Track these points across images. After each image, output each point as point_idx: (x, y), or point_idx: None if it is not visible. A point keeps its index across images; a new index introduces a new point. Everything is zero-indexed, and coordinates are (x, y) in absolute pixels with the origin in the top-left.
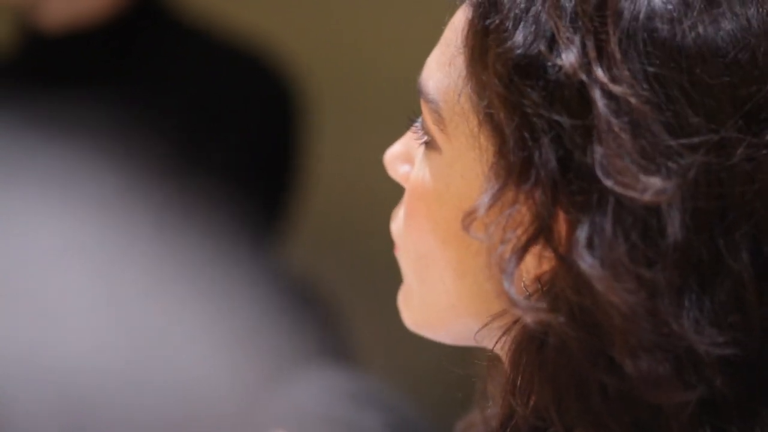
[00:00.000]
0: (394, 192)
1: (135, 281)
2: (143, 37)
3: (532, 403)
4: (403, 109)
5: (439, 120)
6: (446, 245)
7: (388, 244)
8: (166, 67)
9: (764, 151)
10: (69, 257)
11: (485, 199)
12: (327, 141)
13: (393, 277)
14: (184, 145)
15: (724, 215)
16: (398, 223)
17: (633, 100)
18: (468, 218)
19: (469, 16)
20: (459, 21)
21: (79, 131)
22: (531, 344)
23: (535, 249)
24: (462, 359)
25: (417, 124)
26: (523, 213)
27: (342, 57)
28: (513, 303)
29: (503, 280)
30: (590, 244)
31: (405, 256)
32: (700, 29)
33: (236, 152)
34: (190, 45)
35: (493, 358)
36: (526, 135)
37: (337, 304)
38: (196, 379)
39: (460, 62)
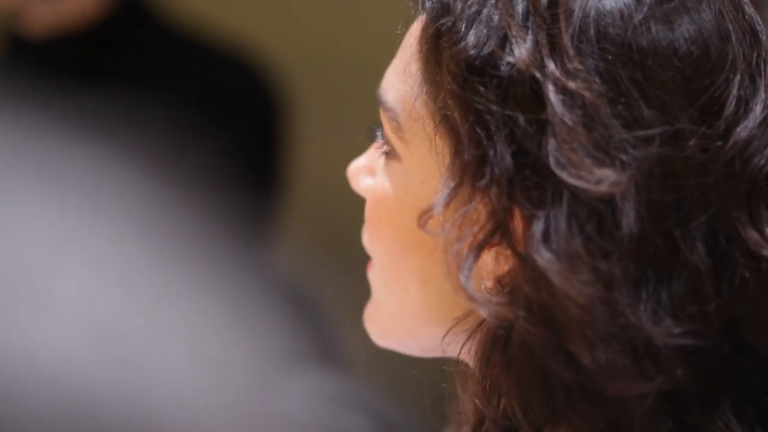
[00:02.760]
0: None
1: (117, 281)
2: (127, 40)
3: (501, 405)
4: None
5: (398, 128)
6: (409, 252)
7: None
8: (149, 69)
9: (719, 143)
10: (56, 256)
11: (441, 198)
12: (314, 139)
13: None
14: (169, 146)
15: (679, 207)
16: (365, 234)
17: (586, 94)
18: (424, 216)
19: (423, 21)
20: (415, 29)
21: (64, 134)
22: (495, 345)
23: (495, 249)
24: (448, 365)
25: (378, 134)
26: (479, 211)
27: (328, 54)
28: (470, 298)
29: (460, 276)
30: (546, 238)
31: (373, 270)
32: (652, 24)
33: (222, 153)
34: (174, 47)
35: (462, 370)
36: (481, 133)
37: (325, 306)
38: (180, 381)
39: (415, 68)
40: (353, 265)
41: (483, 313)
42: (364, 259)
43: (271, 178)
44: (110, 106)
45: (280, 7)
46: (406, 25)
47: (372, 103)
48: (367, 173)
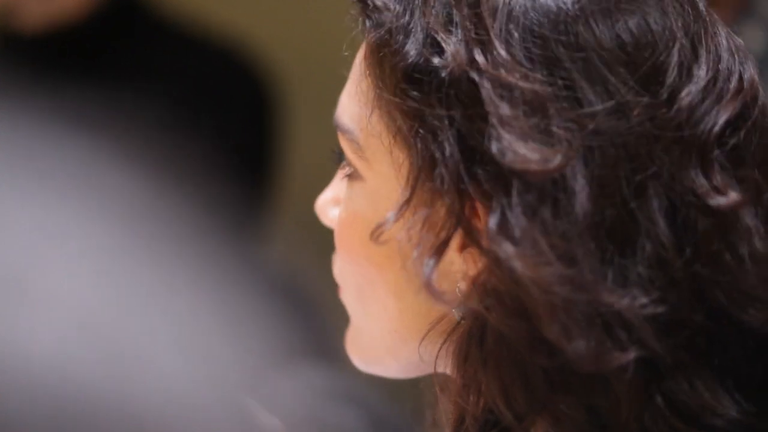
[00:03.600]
0: None
1: (107, 276)
2: (120, 35)
3: (481, 401)
4: None
5: (357, 148)
6: (383, 269)
7: None
8: (141, 64)
9: (663, 110)
10: (46, 250)
11: (396, 207)
12: (307, 133)
13: None
14: (161, 139)
15: (632, 178)
16: (336, 263)
17: (521, 83)
18: (377, 231)
19: (367, 39)
20: (362, 51)
21: (56, 128)
22: (471, 342)
23: (466, 251)
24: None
25: (343, 162)
26: (440, 213)
27: (322, 46)
28: (439, 298)
29: (423, 274)
30: (503, 229)
31: (348, 295)
32: (586, 3)
33: (215, 146)
34: (166, 41)
35: (440, 375)
36: (427, 136)
37: (317, 301)
38: (170, 377)
39: (365, 86)
40: None
41: (455, 312)
42: None
43: (264, 171)
44: (103, 100)
45: (274, 1)
46: (353, 47)
47: None
48: (334, 205)
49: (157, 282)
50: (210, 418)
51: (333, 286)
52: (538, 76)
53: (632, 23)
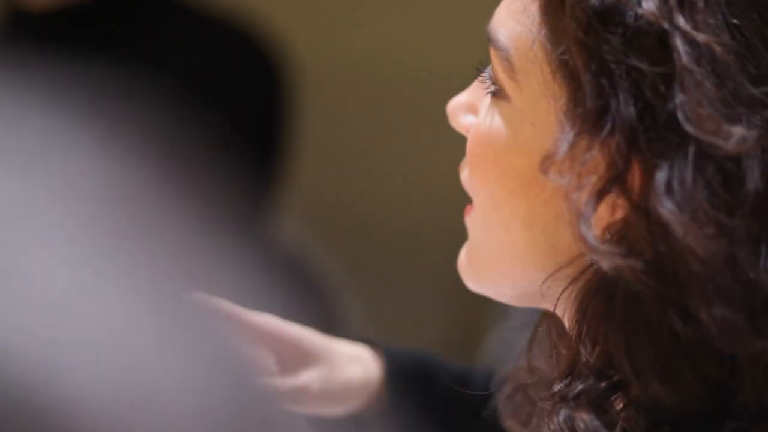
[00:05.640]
0: (387, 167)
1: (121, 256)
2: (128, 13)
3: (597, 350)
4: (395, 85)
5: (510, 68)
6: (513, 195)
7: (382, 221)
8: (150, 42)
9: None
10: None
11: (563, 144)
12: (320, 115)
13: (386, 254)
14: (174, 119)
15: None
16: (464, 174)
17: (716, 48)
18: (546, 161)
19: None
20: None
21: (66, 107)
22: (599, 293)
23: (608, 198)
24: (453, 339)
25: (485, 73)
26: (597, 160)
27: (336, 30)
28: (591, 248)
29: (580, 225)
30: (669, 190)
31: (471, 213)
32: None
33: (226, 126)
34: (176, 20)
35: (557, 325)
36: (604, 82)
37: (329, 281)
38: (184, 356)
39: (534, 9)
40: (358, 240)
41: (603, 263)
42: (369, 234)
43: (274, 152)
44: (111, 78)
45: None
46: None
47: (381, 79)
48: (468, 111)
49: (169, 263)
50: (217, 402)
51: (343, 268)
52: (732, 45)
53: None
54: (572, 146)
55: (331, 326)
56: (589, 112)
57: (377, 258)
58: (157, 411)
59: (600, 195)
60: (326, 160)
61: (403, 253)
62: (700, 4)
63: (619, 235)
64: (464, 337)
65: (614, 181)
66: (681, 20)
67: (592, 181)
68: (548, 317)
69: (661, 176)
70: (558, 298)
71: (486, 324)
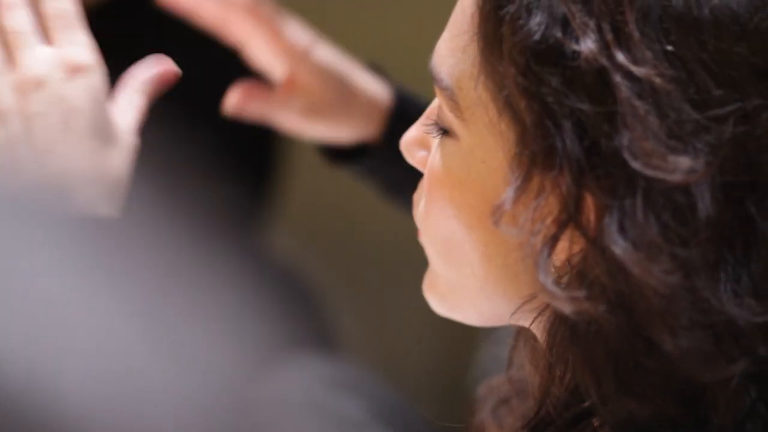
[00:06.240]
0: None
1: (114, 267)
2: (131, 19)
3: (567, 378)
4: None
5: (456, 107)
6: (472, 229)
7: (373, 230)
8: (150, 50)
9: None
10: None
11: (511, 192)
12: None
13: (377, 264)
14: (169, 127)
15: (755, 185)
16: (420, 209)
17: (656, 80)
18: (497, 213)
19: (480, 3)
20: (468, 6)
21: None
22: (564, 326)
23: (567, 232)
24: (444, 348)
25: (430, 108)
26: (551, 202)
27: (329, 36)
28: (551, 295)
29: (539, 273)
30: (622, 228)
31: (429, 242)
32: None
33: (219, 136)
34: (177, 22)
35: (530, 351)
36: (548, 123)
37: (321, 290)
38: (176, 366)
39: (473, 50)
40: (349, 250)
41: (563, 308)
42: (361, 244)
43: (268, 162)
44: (111, 78)
45: None
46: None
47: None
48: (420, 146)
49: (160, 273)
50: (212, 408)
51: (335, 276)
52: (672, 74)
53: (758, 20)
54: (522, 192)
55: (323, 336)
56: (536, 154)
57: (368, 268)
58: (147, 416)
59: (554, 240)
60: (319, 168)
61: (394, 262)
62: (636, 36)
63: (579, 268)
64: (456, 346)
65: (566, 223)
66: (619, 56)
67: (547, 223)
68: (525, 331)
69: (612, 215)
70: (531, 323)
71: (477, 334)
